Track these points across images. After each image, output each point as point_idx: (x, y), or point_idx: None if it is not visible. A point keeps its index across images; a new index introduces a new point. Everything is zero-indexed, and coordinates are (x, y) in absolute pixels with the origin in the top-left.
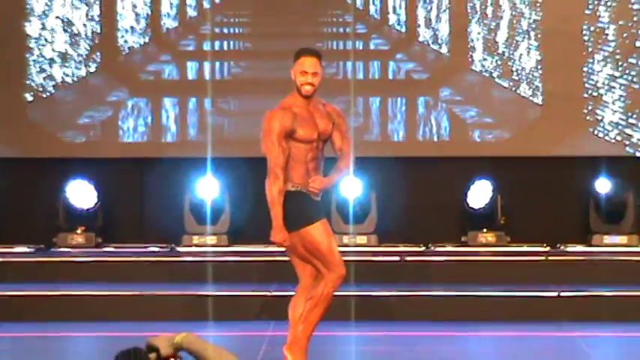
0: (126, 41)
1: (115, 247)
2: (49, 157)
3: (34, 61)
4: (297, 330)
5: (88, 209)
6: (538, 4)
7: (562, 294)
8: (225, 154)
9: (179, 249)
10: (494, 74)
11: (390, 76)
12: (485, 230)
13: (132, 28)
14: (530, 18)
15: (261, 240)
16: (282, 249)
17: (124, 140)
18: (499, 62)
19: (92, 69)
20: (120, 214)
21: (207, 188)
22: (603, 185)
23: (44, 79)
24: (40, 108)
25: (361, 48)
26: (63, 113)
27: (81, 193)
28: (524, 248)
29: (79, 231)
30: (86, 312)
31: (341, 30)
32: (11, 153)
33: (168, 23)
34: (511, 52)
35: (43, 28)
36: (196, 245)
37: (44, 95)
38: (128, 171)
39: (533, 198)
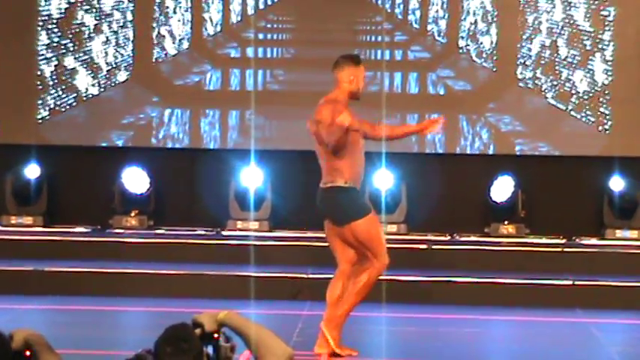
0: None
1: (165, 230)
2: (107, 146)
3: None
4: (334, 309)
5: (141, 194)
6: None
7: (576, 283)
8: (268, 147)
9: (224, 233)
10: (530, 84)
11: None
12: (506, 222)
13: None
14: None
15: (300, 226)
16: (321, 235)
17: (176, 132)
18: (535, 71)
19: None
20: (170, 199)
21: (251, 177)
22: (617, 183)
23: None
24: (98, 103)
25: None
26: (120, 109)
27: (135, 179)
28: (543, 240)
29: (132, 214)
30: (137, 289)
31: (379, 38)
32: (74, 141)
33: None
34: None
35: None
36: (240, 230)
37: (92, 93)
38: (179, 160)
39: (552, 193)
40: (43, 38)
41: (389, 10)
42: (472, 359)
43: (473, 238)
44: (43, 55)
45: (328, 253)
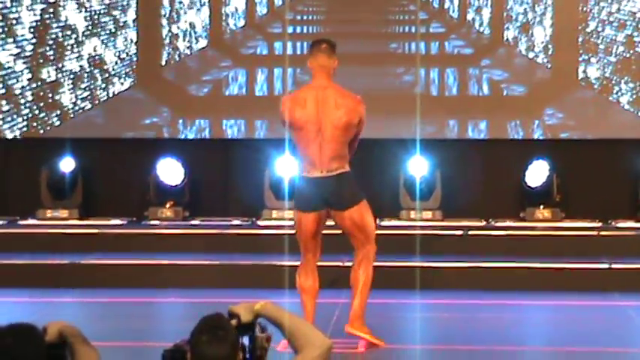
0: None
1: (200, 220)
2: (142, 138)
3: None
4: (313, 303)
5: (176, 185)
6: None
7: (613, 266)
8: None
9: (259, 222)
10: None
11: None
12: (541, 207)
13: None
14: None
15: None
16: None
17: (213, 117)
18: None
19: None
20: (205, 190)
21: (286, 166)
22: None
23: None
24: (143, 88)
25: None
26: (152, 102)
27: (170, 171)
28: (578, 224)
29: (167, 205)
30: (173, 280)
31: (413, 30)
32: (110, 134)
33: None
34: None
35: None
36: (275, 219)
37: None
38: (213, 150)
39: (587, 177)
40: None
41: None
42: (510, 344)
43: (508, 224)
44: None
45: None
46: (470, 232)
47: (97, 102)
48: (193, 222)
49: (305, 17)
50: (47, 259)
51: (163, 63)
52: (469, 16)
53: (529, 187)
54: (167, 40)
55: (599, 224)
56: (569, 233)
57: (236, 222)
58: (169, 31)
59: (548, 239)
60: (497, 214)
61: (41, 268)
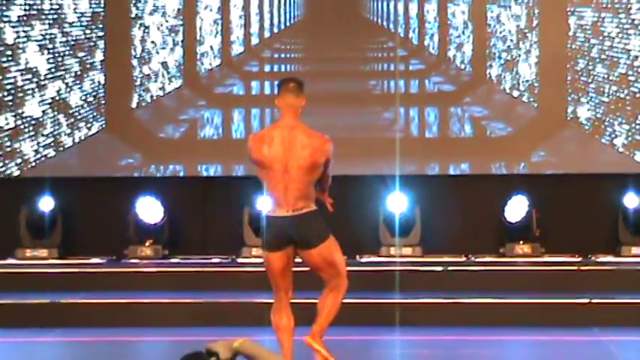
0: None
1: (180, 259)
2: (121, 177)
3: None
4: (290, 341)
5: (155, 223)
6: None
7: (593, 301)
8: None
9: (239, 260)
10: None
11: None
12: (521, 242)
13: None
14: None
15: None
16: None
17: (187, 160)
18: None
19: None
20: (184, 228)
21: (265, 204)
22: (631, 200)
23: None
24: (113, 131)
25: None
26: (136, 135)
27: (149, 209)
28: (558, 259)
29: (147, 244)
30: (153, 319)
31: (392, 67)
32: (89, 172)
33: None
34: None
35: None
36: (255, 257)
37: (114, 121)
38: (192, 188)
39: (567, 212)
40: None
41: (402, 35)
42: None
43: (488, 259)
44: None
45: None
46: (450, 268)
47: (61, 148)
48: (173, 260)
49: (282, 55)
50: (27, 298)
51: (134, 105)
52: (450, 53)
53: (509, 222)
54: (138, 82)
55: (579, 259)
56: (549, 268)
57: (216, 260)
58: (140, 71)
59: (528, 274)
60: (477, 249)
61: (21, 308)
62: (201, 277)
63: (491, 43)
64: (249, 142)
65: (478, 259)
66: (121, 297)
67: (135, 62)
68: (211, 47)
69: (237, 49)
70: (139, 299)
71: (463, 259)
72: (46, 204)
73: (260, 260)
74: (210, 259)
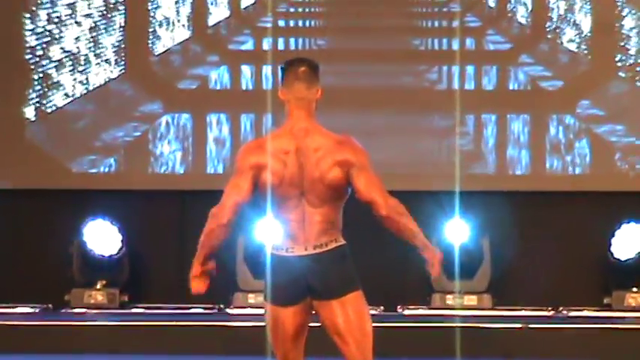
0: (158, 37)
1: (145, 308)
2: (60, 189)
3: (35, 64)
4: None
5: (110, 257)
6: None
7: None
8: None
9: (230, 311)
10: None
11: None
12: (635, 289)
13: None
14: None
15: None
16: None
17: (158, 168)
18: None
19: (115, 74)
20: (152, 264)
21: (268, 233)
22: None
23: (49, 87)
24: (45, 126)
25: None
26: (76, 132)
27: (101, 236)
28: None
29: (98, 286)
30: None
31: (444, 24)
32: (10, 184)
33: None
34: None
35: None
36: (252, 306)
37: (49, 110)
38: (163, 207)
39: None
40: None
41: None
42: None
43: (587, 313)
44: None
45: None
46: (531, 326)
47: None
48: (135, 310)
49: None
50: None
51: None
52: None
53: (617, 259)
54: None
55: None
56: None
57: (197, 310)
58: None
59: None
60: (572, 299)
61: None
62: (176, 335)
63: None
64: (240, 157)
65: (573, 314)
66: None
67: None
68: None
69: None
70: None
71: (551, 312)
72: None
73: (259, 311)
74: (189, 308)
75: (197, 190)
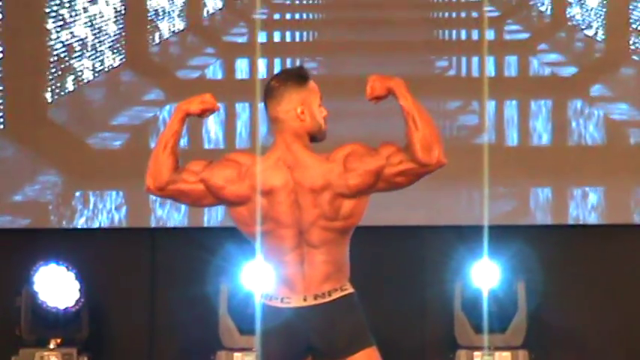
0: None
1: None
2: (8, 229)
3: None
4: None
5: (66, 310)
6: None
7: None
8: None
9: None
10: None
11: None
12: None
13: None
14: None
15: None
16: None
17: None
18: None
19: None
20: (116, 319)
21: (257, 278)
22: None
23: None
24: None
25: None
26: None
27: (55, 285)
28: None
29: (52, 345)
30: None
31: (462, 14)
32: None
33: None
34: None
35: None
36: None
37: None
38: (130, 247)
39: None
40: None
41: None
42: None
43: None
44: None
45: None
46: None
47: None
48: None
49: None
50: None
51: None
52: None
53: None
54: None
55: None
56: None
57: None
58: None
59: None
60: (628, 356)
61: None
62: None
63: None
64: (240, 156)
65: None
66: None
67: None
68: None
69: None
70: None
71: None
72: None
73: None
74: None
75: (167, 228)
